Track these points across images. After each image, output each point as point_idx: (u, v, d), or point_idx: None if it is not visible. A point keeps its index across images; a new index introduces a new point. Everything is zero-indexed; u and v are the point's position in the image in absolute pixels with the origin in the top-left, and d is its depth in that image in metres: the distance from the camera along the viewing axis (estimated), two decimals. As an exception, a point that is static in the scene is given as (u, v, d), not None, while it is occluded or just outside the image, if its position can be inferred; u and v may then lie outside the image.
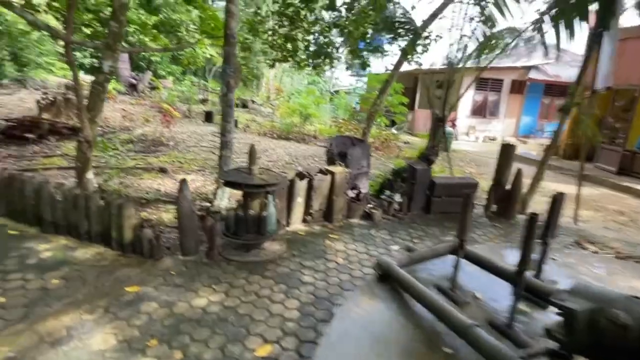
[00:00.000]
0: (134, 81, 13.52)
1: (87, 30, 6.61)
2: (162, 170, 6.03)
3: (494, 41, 5.40)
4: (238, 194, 4.79)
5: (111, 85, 14.73)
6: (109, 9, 7.10)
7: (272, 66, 7.40)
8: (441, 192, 4.30)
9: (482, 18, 5.14)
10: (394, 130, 12.80)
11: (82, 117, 3.68)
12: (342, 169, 3.90)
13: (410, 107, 14.28)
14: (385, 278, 2.16)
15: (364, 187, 4.48)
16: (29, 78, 12.22)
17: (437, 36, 5.81)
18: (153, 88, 14.01)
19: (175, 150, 7.65)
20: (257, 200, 3.09)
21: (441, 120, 5.15)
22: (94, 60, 14.87)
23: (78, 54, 15.80)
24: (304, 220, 3.87)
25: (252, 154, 3.07)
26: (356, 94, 21.45)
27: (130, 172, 5.81)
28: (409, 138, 13.24)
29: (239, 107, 15.36)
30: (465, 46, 5.10)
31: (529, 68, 15.15)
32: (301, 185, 3.69)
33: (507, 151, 4.52)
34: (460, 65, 5.46)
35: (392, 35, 6.06)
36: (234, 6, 3.69)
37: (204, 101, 15.03)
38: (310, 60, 6.40)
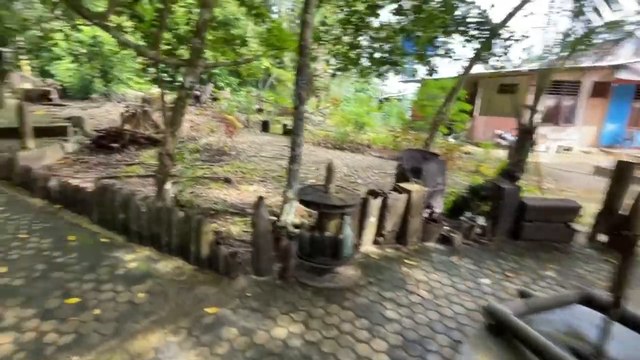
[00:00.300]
0: (197, 93, 14.46)
1: (165, 48, 7.11)
2: (227, 180, 6.20)
3: (591, 37, 4.71)
4: (303, 208, 4.76)
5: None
6: (185, 26, 7.62)
7: (333, 76, 7.31)
8: (534, 216, 3.76)
9: (581, 11, 4.49)
10: (451, 139, 12.02)
11: (165, 131, 3.83)
12: (419, 187, 3.58)
13: (469, 113, 13.34)
14: (498, 329, 1.82)
15: (439, 206, 4.10)
16: (112, 92, 13.73)
17: (522, 36, 5.23)
18: (214, 99, 14.87)
19: (237, 160, 7.89)
20: (334, 221, 2.91)
21: (529, 131, 4.56)
22: (164, 74, 16.32)
23: (150, 69, 17.45)
24: (376, 242, 3.61)
25: (329, 171, 2.91)
26: (407, 101, 20.71)
27: (199, 181, 6.06)
28: (469, 147, 12.31)
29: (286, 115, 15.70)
30: (562, 43, 4.48)
31: (616, 67, 13.23)
32: (374, 204, 3.45)
33: (623, 169, 3.81)
34: (551, 65, 4.83)
35: (466, 38, 5.60)
36: (310, 15, 3.61)
37: (259, 111, 15.58)
38: (375, 68, 6.17)
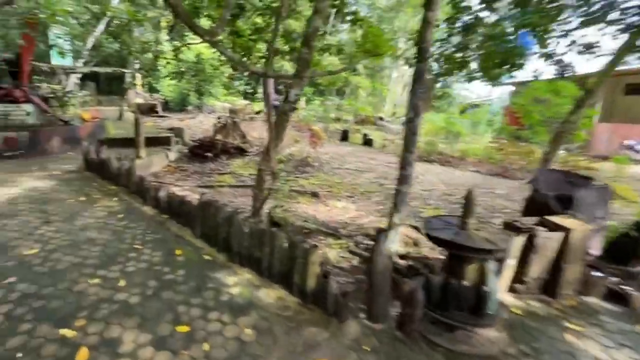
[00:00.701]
0: (277, 103, 15.02)
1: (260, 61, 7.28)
2: (314, 195, 5.95)
3: None
4: (408, 234, 4.18)
5: (258, 107, 16.78)
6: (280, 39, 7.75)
7: (436, 82, 6.60)
8: None
9: None
10: (562, 152, 10.09)
11: (270, 148, 3.65)
12: (580, 224, 2.73)
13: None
14: None
15: (597, 248, 3.14)
16: (204, 104, 15.07)
17: None
18: (293, 109, 15.20)
19: (321, 172, 7.68)
20: (473, 267, 2.29)
21: None
22: (247, 86, 17.43)
23: (235, 82, 18.78)
24: (512, 289, 2.86)
25: (469, 202, 2.31)
26: (493, 106, 18.46)
27: (287, 194, 5.92)
28: (591, 162, 10.18)
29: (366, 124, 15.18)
30: None
31: None
32: (516, 243, 2.72)
33: None
34: None
35: (619, 27, 4.42)
36: (433, 13, 3.08)
37: (337, 120, 15.45)
38: (486, 70, 5.31)
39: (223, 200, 5.65)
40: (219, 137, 8.75)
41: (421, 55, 3.18)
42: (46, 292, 2.62)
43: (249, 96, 17.68)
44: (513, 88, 16.00)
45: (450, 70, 5.47)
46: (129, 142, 7.82)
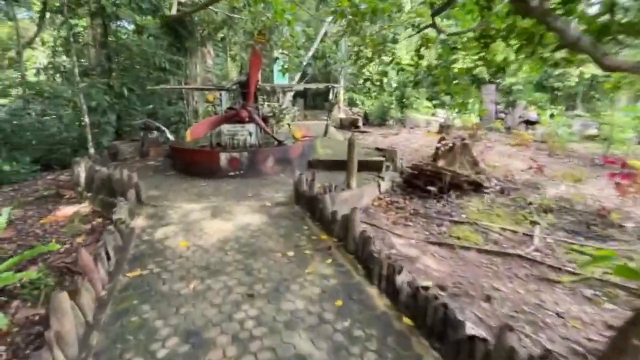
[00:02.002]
0: (502, 116, 11.30)
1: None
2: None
3: None
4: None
5: (467, 121, 13.46)
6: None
7: None
8: None
9: None
10: None
11: None
12: None
13: None
14: None
15: None
16: (407, 118, 13.32)
17: None
18: (530, 123, 11.03)
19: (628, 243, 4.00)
20: None
21: None
22: (448, 97, 14.44)
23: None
24: None
25: None
26: None
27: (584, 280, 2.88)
28: None
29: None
30: None
31: None
32: None
33: None
34: None
35: None
36: None
37: (588, 139, 10.17)
38: None
39: (476, 281, 3.22)
40: (441, 163, 6.43)
41: None
42: None
43: (458, 108, 14.67)
44: None
45: None
46: (336, 165, 6.72)
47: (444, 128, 10.27)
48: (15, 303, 3.19)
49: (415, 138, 9.65)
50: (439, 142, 6.74)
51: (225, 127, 6.39)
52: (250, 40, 9.65)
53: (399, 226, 4.81)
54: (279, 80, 12.70)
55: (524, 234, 4.36)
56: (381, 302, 2.70)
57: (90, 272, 2.72)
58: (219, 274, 3.09)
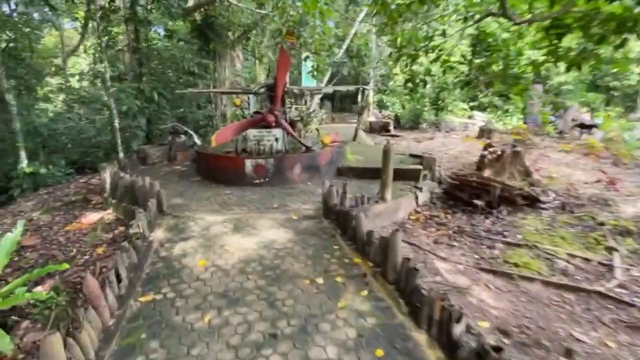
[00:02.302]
0: (552, 119, 10.22)
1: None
2: None
3: None
4: None
5: (508, 124, 12.34)
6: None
7: None
8: None
9: None
10: None
11: None
12: None
13: None
14: None
15: None
16: (442, 121, 12.49)
17: None
18: (585, 127, 9.85)
19: None
20: None
21: None
22: (497, 98, 13.34)
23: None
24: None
25: None
26: None
27: None
28: None
29: None
30: None
31: None
32: None
33: None
34: None
35: None
36: None
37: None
38: None
39: (548, 326, 2.60)
40: (487, 173, 5.72)
41: None
42: None
43: (497, 110, 13.57)
44: None
45: None
46: (368, 173, 6.20)
47: (484, 132, 9.42)
48: (25, 323, 3.00)
49: (453, 143, 8.87)
50: (485, 148, 6.02)
51: (252, 132, 6.08)
52: (279, 40, 9.36)
53: (442, 246, 4.21)
54: (308, 82, 12.35)
55: (599, 262, 3.63)
56: (433, 356, 2.17)
57: (97, 299, 2.41)
58: (238, 303, 2.69)
